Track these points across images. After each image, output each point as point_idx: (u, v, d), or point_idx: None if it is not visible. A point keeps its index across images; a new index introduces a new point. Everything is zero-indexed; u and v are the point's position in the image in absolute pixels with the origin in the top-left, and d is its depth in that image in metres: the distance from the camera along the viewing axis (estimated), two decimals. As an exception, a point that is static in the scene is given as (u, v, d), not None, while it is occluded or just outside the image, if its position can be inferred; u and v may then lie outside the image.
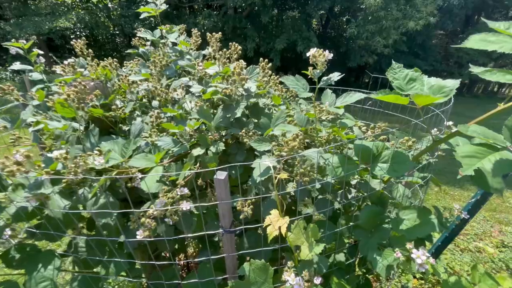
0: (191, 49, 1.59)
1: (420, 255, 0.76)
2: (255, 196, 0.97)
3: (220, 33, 1.16)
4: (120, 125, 1.09)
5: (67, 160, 0.73)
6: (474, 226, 2.86)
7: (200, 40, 1.58)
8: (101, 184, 0.77)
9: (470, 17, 14.32)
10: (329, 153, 1.03)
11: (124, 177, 0.80)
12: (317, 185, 0.94)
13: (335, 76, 0.82)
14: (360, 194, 1.02)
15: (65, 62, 1.08)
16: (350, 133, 1.22)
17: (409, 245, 0.81)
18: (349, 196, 0.98)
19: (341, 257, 1.08)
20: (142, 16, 1.57)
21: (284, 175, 0.74)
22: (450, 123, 1.23)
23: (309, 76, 0.82)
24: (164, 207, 0.86)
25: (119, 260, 0.93)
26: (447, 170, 4.35)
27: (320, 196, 1.03)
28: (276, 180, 0.71)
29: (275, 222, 0.71)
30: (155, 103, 1.30)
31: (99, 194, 0.88)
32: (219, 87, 0.99)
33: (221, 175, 0.70)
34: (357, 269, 1.24)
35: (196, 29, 1.61)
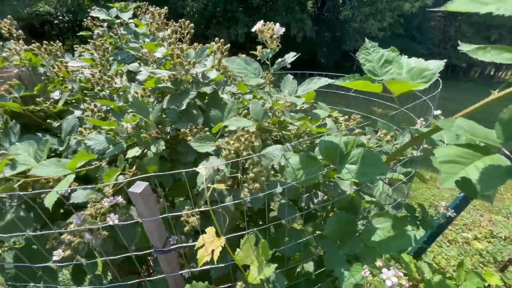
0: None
1: (391, 276, 0.64)
2: (205, 202, 0.82)
3: (166, 8, 0.97)
4: (49, 120, 0.92)
5: None
6: (464, 215, 2.78)
7: (162, 20, 1.38)
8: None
9: (469, -3, 13.83)
10: (295, 151, 0.88)
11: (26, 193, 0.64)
12: (279, 189, 0.79)
13: (290, 57, 0.66)
14: (328, 197, 0.88)
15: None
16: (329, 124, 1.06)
17: (379, 262, 0.67)
18: (315, 201, 0.84)
19: (309, 266, 0.95)
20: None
21: (221, 186, 0.59)
22: (438, 112, 1.09)
23: (258, 58, 0.65)
24: (88, 220, 0.71)
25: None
26: (431, 157, 4.24)
27: (283, 201, 0.89)
28: (209, 192, 0.56)
29: (209, 244, 0.58)
30: (103, 94, 1.13)
31: (8, 208, 0.72)
32: (157, 73, 0.81)
33: (138, 187, 0.55)
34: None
35: (155, 6, 1.40)
